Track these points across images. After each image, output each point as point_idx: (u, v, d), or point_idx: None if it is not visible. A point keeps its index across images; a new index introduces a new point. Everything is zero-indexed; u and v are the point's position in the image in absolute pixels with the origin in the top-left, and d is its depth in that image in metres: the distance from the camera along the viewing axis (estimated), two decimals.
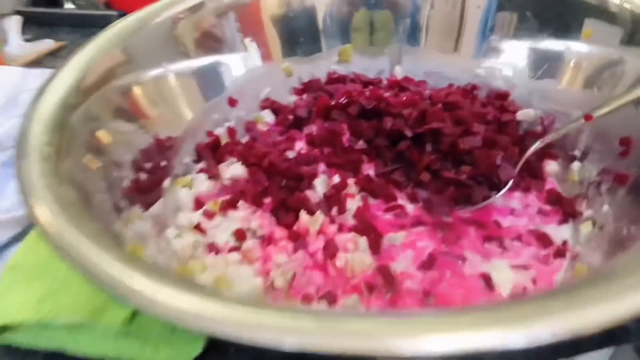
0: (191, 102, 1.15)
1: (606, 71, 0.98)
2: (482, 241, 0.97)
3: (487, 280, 0.89)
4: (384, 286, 0.90)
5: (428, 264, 0.93)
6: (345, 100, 1.18)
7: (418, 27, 1.30)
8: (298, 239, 0.96)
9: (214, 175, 1.12)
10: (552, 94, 1.12)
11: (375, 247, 0.97)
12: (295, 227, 0.98)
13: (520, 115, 1.16)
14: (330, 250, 0.94)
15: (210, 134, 1.22)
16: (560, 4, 1.06)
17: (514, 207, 1.04)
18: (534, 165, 1.09)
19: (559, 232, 0.96)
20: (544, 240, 0.95)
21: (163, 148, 1.07)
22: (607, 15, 0.97)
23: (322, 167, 1.12)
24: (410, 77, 1.29)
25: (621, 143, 0.91)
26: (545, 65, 1.12)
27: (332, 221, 1.00)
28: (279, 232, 0.98)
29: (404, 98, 1.17)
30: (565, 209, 0.99)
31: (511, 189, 1.07)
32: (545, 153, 1.10)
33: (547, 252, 0.93)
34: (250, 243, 0.97)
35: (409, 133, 1.11)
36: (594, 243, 0.85)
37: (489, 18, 1.18)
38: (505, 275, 0.89)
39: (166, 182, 1.06)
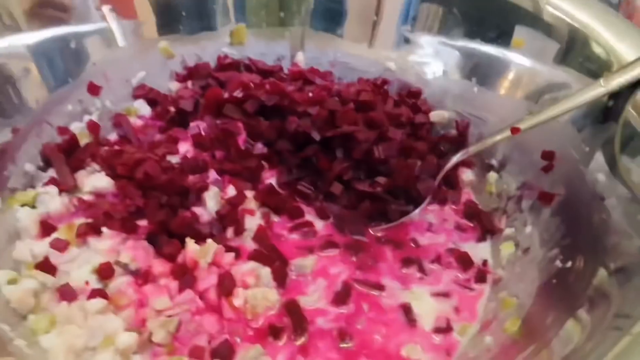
0: (30, 89, 0.86)
1: (533, 83, 0.92)
2: (400, 265, 0.86)
3: (407, 312, 0.79)
4: (292, 328, 0.75)
5: (343, 296, 0.79)
6: (242, 94, 0.98)
7: (326, 8, 1.12)
8: (184, 275, 0.76)
9: (67, 189, 0.86)
10: (468, 96, 1.03)
11: (280, 278, 0.80)
12: (180, 259, 0.78)
13: (434, 116, 1.07)
14: (226, 286, 0.75)
15: (62, 130, 0.94)
16: (490, 5, 0.96)
17: (430, 222, 0.94)
18: (450, 173, 1.00)
19: (478, 251, 0.89)
20: (463, 260, 0.86)
21: None
22: (541, 25, 0.89)
23: (213, 175, 0.92)
24: (315, 68, 1.12)
25: (543, 157, 0.85)
26: (466, 66, 1.02)
27: (228, 249, 0.81)
28: (159, 266, 0.77)
29: (310, 94, 1.00)
30: (482, 223, 0.92)
31: (430, 201, 0.97)
32: (461, 161, 1.01)
33: (468, 276, 0.84)
34: (118, 282, 0.75)
35: (316, 136, 0.95)
36: (519, 268, 0.79)
37: (410, 7, 1.05)
38: (426, 306, 0.80)
39: None
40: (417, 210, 0.91)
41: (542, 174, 0.84)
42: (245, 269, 0.78)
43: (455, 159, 0.91)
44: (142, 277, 0.75)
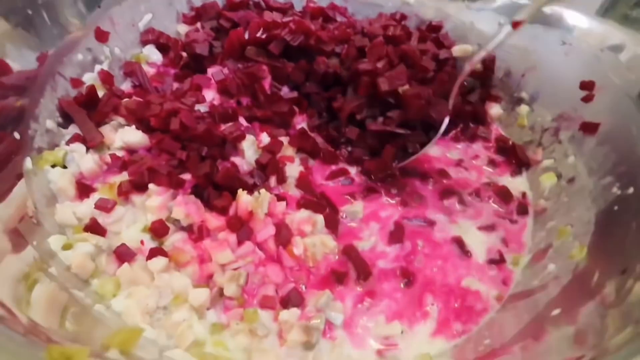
0: (28, 38, 0.77)
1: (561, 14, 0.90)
2: (440, 197, 0.87)
3: (460, 245, 0.80)
4: (356, 272, 0.75)
5: (397, 236, 0.80)
6: (265, 35, 0.92)
7: None
8: (241, 227, 0.74)
9: (95, 145, 0.80)
10: (492, 28, 1.01)
11: (333, 225, 0.79)
12: (231, 211, 0.75)
13: (457, 51, 1.04)
14: (284, 236, 0.74)
15: (76, 82, 0.86)
16: None
17: (461, 158, 0.94)
18: (477, 108, 1.00)
19: (515, 184, 0.91)
20: (502, 194, 0.88)
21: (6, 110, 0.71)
22: None
23: (242, 122, 0.88)
24: (335, 4, 1.06)
25: (582, 87, 0.85)
26: None
27: (277, 198, 0.79)
28: (213, 221, 0.74)
29: (335, 32, 0.96)
30: (517, 156, 0.93)
31: (454, 140, 0.97)
32: (487, 95, 1.01)
33: (509, 209, 0.86)
34: (174, 239, 0.72)
35: (345, 76, 0.92)
36: (566, 198, 0.81)
37: None
38: (475, 239, 0.82)
39: (27, 162, 0.72)
40: (437, 136, 0.88)
41: (582, 104, 0.84)
42: (300, 218, 0.77)
43: (464, 72, 0.88)
44: (198, 232, 0.72)
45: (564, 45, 0.89)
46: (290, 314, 0.66)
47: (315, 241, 0.75)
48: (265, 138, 0.88)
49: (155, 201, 0.73)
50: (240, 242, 0.73)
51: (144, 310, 0.63)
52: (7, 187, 0.68)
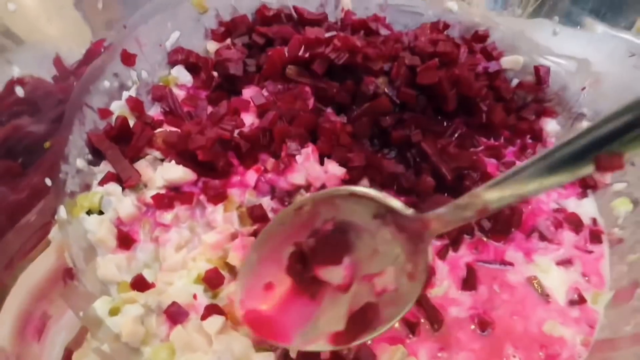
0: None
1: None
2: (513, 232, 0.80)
3: (538, 286, 0.74)
4: (428, 322, 0.69)
5: (470, 281, 0.73)
6: (307, 54, 0.84)
7: None
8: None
9: (133, 185, 0.72)
10: (545, 37, 0.94)
11: None
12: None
13: (506, 62, 0.97)
14: None
15: (104, 112, 0.78)
16: None
17: None
18: (532, 125, 0.93)
19: (583, 208, 0.84)
20: (572, 221, 0.81)
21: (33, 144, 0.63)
22: None
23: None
24: (379, 15, 0.99)
25: None
26: (545, 2, 0.92)
27: None
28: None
29: (382, 48, 0.88)
30: (582, 179, 0.86)
31: (517, 156, 0.91)
32: (542, 110, 0.94)
33: (582, 238, 0.80)
34: (230, 290, 0.65)
35: (396, 100, 0.85)
36: None
37: None
38: (554, 276, 0.75)
39: (61, 210, 0.64)
40: None
41: None
42: None
43: None
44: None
45: (633, 57, 0.82)
46: None
47: None
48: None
49: (212, 237, 0.65)
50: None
51: None
52: (39, 242, 0.61)
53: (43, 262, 0.60)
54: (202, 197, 0.72)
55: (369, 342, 0.65)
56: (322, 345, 0.57)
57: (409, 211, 0.58)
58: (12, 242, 0.57)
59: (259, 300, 0.60)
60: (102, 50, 0.77)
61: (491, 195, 0.51)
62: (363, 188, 0.61)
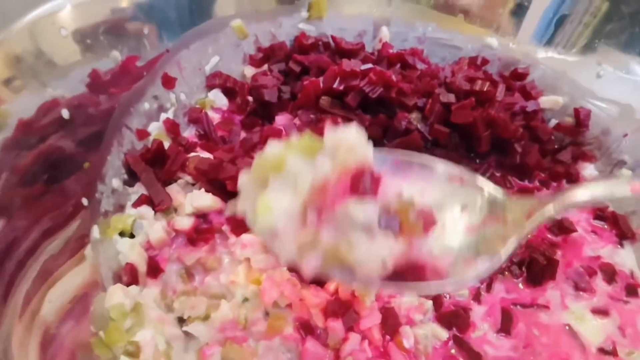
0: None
1: None
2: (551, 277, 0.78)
3: (573, 334, 0.72)
4: None
5: (506, 324, 0.71)
6: (342, 86, 0.85)
7: None
8: (347, 312, 0.66)
9: (164, 209, 0.74)
10: (588, 79, 0.91)
11: (440, 308, 0.71)
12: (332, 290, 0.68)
13: (545, 102, 0.95)
14: (391, 325, 0.67)
15: (142, 134, 0.80)
16: None
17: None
18: (569, 169, 0.90)
19: (619, 259, 0.81)
20: (609, 272, 0.78)
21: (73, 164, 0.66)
22: None
23: None
24: (416, 49, 0.98)
25: None
26: (591, 43, 0.90)
27: None
28: (313, 299, 0.67)
29: (417, 83, 0.88)
30: (618, 227, 0.83)
31: None
32: (580, 153, 0.91)
33: (618, 288, 0.77)
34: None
35: (428, 136, 0.84)
36: None
37: None
38: (590, 327, 0.72)
39: (94, 230, 0.66)
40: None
41: None
42: (409, 303, 0.69)
43: None
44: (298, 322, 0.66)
45: None
46: None
47: (426, 332, 0.68)
48: None
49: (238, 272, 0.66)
50: (347, 331, 0.65)
51: None
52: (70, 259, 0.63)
53: (74, 279, 0.62)
54: (226, 227, 0.73)
55: None
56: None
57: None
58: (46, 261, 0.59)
59: None
60: (145, 73, 0.80)
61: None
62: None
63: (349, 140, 0.49)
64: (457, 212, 0.57)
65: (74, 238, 0.65)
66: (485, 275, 0.56)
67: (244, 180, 0.51)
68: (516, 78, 0.98)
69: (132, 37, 0.76)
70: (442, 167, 0.60)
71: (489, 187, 0.59)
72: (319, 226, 0.47)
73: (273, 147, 0.50)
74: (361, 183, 0.48)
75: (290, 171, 0.48)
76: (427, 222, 0.53)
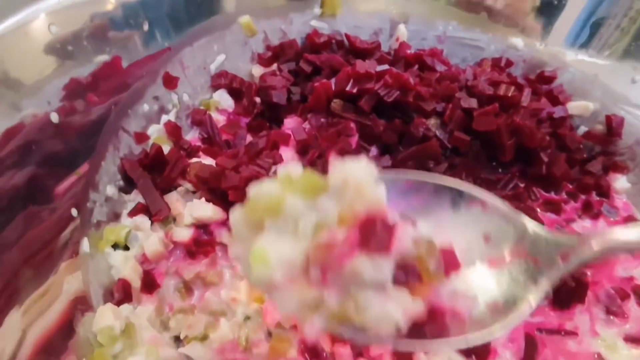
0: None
1: None
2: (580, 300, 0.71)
3: None
4: None
5: (530, 353, 0.65)
6: (356, 89, 0.79)
7: None
8: None
9: (162, 219, 0.69)
10: (622, 85, 0.84)
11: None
12: None
13: (574, 108, 0.88)
14: (405, 352, 0.61)
15: (140, 137, 0.76)
16: None
17: None
18: (599, 178, 0.83)
19: None
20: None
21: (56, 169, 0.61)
22: None
23: None
24: (436, 49, 0.92)
25: None
26: (628, 46, 0.83)
27: None
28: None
29: (437, 87, 0.81)
30: None
31: (577, 214, 0.82)
32: (612, 164, 0.85)
33: None
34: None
35: (447, 144, 0.78)
36: None
37: None
38: (623, 357, 0.66)
39: (84, 244, 0.61)
40: None
41: None
42: None
43: None
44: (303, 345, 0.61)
45: None
46: None
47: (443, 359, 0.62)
48: None
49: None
50: (355, 357, 0.61)
51: None
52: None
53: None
54: (227, 239, 0.68)
55: None
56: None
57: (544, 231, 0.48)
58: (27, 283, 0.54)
59: None
60: (144, 74, 0.75)
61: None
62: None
63: (358, 179, 0.41)
64: (480, 244, 0.50)
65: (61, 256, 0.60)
66: (512, 326, 0.47)
67: (236, 219, 0.43)
68: (543, 81, 0.92)
69: (122, 39, 0.70)
70: (461, 188, 0.52)
71: (516, 215, 0.50)
72: (324, 284, 0.40)
73: (268, 186, 0.42)
74: (373, 235, 0.40)
75: (289, 215, 0.41)
76: (450, 265, 0.45)
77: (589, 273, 0.74)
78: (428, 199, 0.51)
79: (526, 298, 0.47)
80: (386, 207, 0.42)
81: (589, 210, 0.82)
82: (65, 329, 0.54)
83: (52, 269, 0.56)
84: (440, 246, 0.45)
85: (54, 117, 0.60)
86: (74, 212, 0.61)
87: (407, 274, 0.42)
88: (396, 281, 0.42)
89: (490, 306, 0.48)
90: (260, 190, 0.42)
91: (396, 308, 0.42)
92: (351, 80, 0.80)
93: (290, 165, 0.44)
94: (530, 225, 0.49)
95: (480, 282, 0.48)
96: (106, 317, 0.57)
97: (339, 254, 0.40)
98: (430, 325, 0.45)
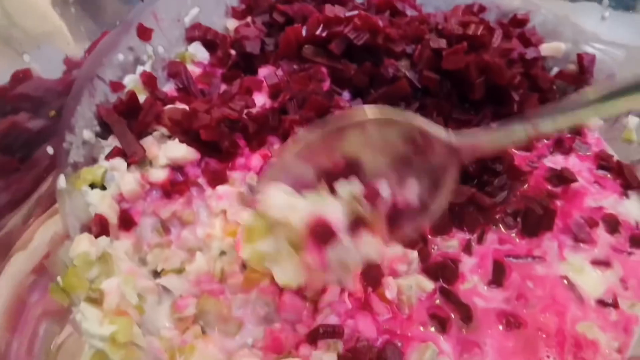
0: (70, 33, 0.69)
1: None
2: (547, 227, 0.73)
3: (571, 286, 0.68)
4: (459, 317, 0.64)
5: (498, 276, 0.67)
6: (325, 33, 0.80)
7: None
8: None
9: (137, 161, 0.71)
10: (592, 22, 0.85)
11: (427, 260, 0.68)
12: None
13: (546, 49, 0.89)
14: (373, 276, 0.64)
15: (115, 85, 0.77)
16: None
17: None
18: None
19: (624, 209, 0.76)
20: (610, 222, 0.73)
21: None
22: None
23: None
24: None
25: None
26: None
27: None
28: None
29: (406, 29, 0.82)
30: (623, 177, 0.78)
31: (549, 150, 0.83)
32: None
33: (622, 239, 0.72)
34: None
35: (418, 84, 0.79)
36: None
37: None
38: (589, 279, 0.68)
39: (60, 180, 0.64)
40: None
41: None
42: (392, 254, 0.65)
43: None
44: None
45: None
46: None
47: (411, 283, 0.64)
48: None
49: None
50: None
51: None
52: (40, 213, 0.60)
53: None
54: (202, 180, 0.70)
55: (398, 343, 0.61)
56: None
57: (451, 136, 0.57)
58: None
59: None
60: (117, 23, 0.76)
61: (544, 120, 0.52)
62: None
63: (281, 218, 0.54)
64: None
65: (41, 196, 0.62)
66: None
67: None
68: (515, 25, 0.92)
69: None
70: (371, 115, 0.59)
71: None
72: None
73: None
74: (319, 237, 0.54)
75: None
76: (373, 197, 0.57)
77: (558, 203, 0.76)
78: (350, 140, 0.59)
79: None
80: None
81: (561, 146, 0.83)
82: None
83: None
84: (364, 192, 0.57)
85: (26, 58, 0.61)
86: (49, 149, 0.63)
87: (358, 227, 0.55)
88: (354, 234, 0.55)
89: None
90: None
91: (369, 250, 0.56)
92: (321, 25, 0.81)
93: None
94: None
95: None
96: (82, 245, 0.59)
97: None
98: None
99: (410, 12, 0.89)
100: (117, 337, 0.53)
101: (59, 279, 0.55)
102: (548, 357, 0.61)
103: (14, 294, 0.54)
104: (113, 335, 0.53)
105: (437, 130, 0.58)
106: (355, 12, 0.84)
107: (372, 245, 0.56)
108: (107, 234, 0.65)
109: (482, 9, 0.95)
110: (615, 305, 0.65)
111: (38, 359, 0.51)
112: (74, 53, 0.71)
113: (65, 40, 0.71)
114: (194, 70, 0.87)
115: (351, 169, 0.59)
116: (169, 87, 0.85)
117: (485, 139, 0.58)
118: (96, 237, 0.63)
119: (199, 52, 0.88)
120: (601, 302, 0.65)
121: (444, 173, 0.58)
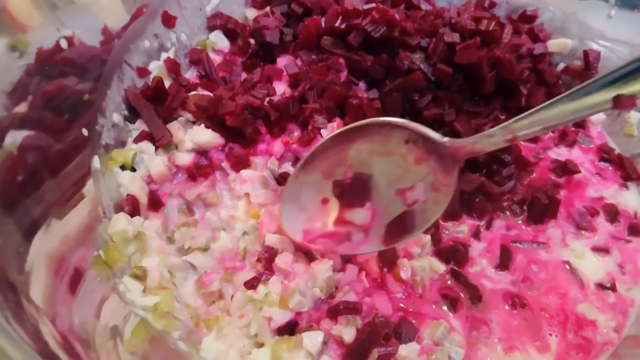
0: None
1: None
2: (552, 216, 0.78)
3: (572, 270, 0.73)
4: (468, 298, 0.69)
5: (505, 260, 0.72)
6: (344, 25, 0.83)
7: None
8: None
9: (164, 144, 0.74)
10: (599, 20, 0.88)
11: (439, 243, 0.73)
12: None
13: (553, 45, 0.93)
14: (389, 258, 0.68)
15: (142, 71, 0.80)
16: None
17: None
18: None
19: (623, 200, 0.80)
20: (610, 211, 0.78)
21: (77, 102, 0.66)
22: None
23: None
24: None
25: None
26: None
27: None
28: None
29: (422, 22, 0.86)
30: (624, 170, 0.83)
31: (554, 143, 0.87)
32: None
33: (621, 228, 0.77)
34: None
35: (431, 77, 0.83)
36: None
37: None
38: (589, 265, 0.73)
39: (95, 160, 0.67)
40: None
41: None
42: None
43: None
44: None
45: None
46: (408, 350, 0.60)
47: (424, 264, 0.68)
48: None
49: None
50: (344, 262, 0.67)
51: None
52: (76, 190, 0.63)
53: (77, 214, 0.62)
54: (225, 164, 0.74)
55: (413, 320, 0.66)
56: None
57: (444, 139, 0.63)
58: (50, 192, 0.60)
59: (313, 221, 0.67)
60: (144, 11, 0.79)
61: (520, 125, 0.58)
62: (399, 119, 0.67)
63: None
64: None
65: (77, 173, 0.65)
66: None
67: None
68: (524, 20, 0.96)
69: None
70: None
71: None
72: None
73: None
74: None
75: None
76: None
77: (562, 193, 0.80)
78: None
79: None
80: None
81: (565, 139, 0.87)
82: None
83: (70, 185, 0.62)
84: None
85: (63, 43, 0.64)
86: (85, 131, 0.66)
87: None
88: None
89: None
90: None
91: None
92: (340, 17, 0.84)
93: None
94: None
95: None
96: (120, 223, 0.63)
97: None
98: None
99: (424, 6, 0.92)
100: (160, 307, 0.57)
101: (100, 252, 0.59)
102: (550, 334, 0.65)
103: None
104: (156, 305, 0.57)
105: (432, 133, 0.64)
106: (373, 4, 0.87)
107: None
108: (138, 213, 0.68)
109: (492, 4, 0.98)
110: (613, 288, 0.70)
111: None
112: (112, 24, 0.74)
113: (104, 11, 0.73)
114: (215, 58, 0.89)
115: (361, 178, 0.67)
116: (190, 74, 0.88)
117: (471, 141, 0.63)
118: (131, 216, 0.67)
119: (219, 40, 0.91)
120: (600, 286, 0.70)
121: (444, 172, 0.63)
